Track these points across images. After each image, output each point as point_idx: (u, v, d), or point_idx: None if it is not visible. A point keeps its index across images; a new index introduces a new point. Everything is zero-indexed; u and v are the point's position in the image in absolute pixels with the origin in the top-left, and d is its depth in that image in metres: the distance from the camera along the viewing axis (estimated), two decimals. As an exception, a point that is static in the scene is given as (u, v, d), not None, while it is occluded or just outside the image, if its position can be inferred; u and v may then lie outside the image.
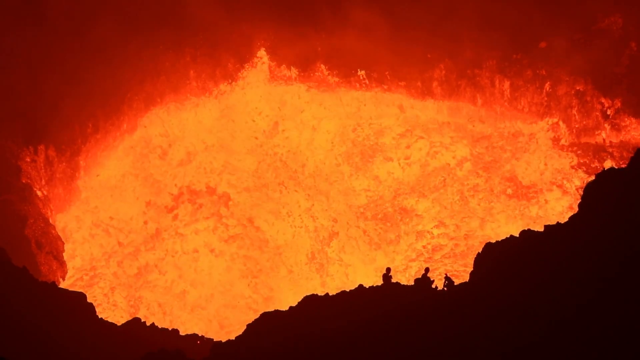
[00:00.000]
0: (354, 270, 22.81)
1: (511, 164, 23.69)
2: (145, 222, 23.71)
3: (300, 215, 23.80)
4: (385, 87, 24.74)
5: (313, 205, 23.92)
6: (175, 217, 23.85)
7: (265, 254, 23.14)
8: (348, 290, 12.45)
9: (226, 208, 24.02)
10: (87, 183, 23.70)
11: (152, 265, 22.92)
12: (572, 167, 23.12)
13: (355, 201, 24.09)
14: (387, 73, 24.54)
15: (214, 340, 14.66)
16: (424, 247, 22.81)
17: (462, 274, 21.59)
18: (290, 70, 25.01)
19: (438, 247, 22.83)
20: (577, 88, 22.96)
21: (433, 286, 11.93)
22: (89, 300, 15.07)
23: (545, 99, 23.33)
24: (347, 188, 24.31)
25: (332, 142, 24.99)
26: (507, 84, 23.73)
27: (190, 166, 24.72)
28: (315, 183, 24.46)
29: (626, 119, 22.50)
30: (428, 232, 22.98)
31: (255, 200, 24.23)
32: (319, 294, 12.45)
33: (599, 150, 22.95)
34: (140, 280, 22.63)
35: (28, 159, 21.13)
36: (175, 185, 24.36)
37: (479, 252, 11.89)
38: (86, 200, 23.67)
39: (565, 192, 22.88)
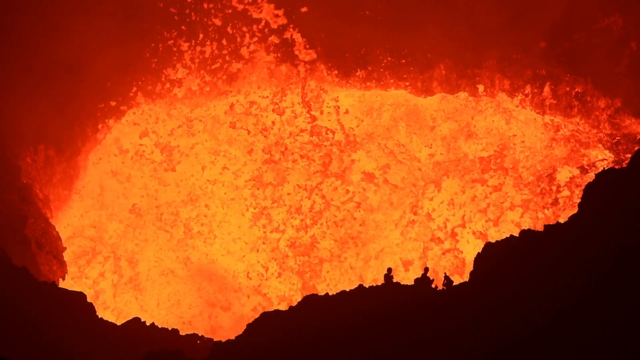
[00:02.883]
0: None
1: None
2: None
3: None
4: (385, 87, 24.75)
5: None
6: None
7: None
8: (348, 290, 12.48)
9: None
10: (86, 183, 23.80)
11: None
12: (572, 164, 23.18)
13: None
14: (387, 73, 24.54)
15: (214, 340, 14.67)
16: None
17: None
18: (290, 70, 25.01)
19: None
20: (577, 88, 22.95)
21: (433, 286, 11.95)
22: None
23: (546, 99, 23.33)
24: None
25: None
26: (507, 84, 23.72)
27: (190, 166, 24.77)
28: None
29: (626, 119, 22.50)
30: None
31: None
32: (319, 294, 12.47)
33: (600, 149, 22.98)
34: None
35: (28, 159, 21.10)
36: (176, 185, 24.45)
37: (479, 252, 11.89)
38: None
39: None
